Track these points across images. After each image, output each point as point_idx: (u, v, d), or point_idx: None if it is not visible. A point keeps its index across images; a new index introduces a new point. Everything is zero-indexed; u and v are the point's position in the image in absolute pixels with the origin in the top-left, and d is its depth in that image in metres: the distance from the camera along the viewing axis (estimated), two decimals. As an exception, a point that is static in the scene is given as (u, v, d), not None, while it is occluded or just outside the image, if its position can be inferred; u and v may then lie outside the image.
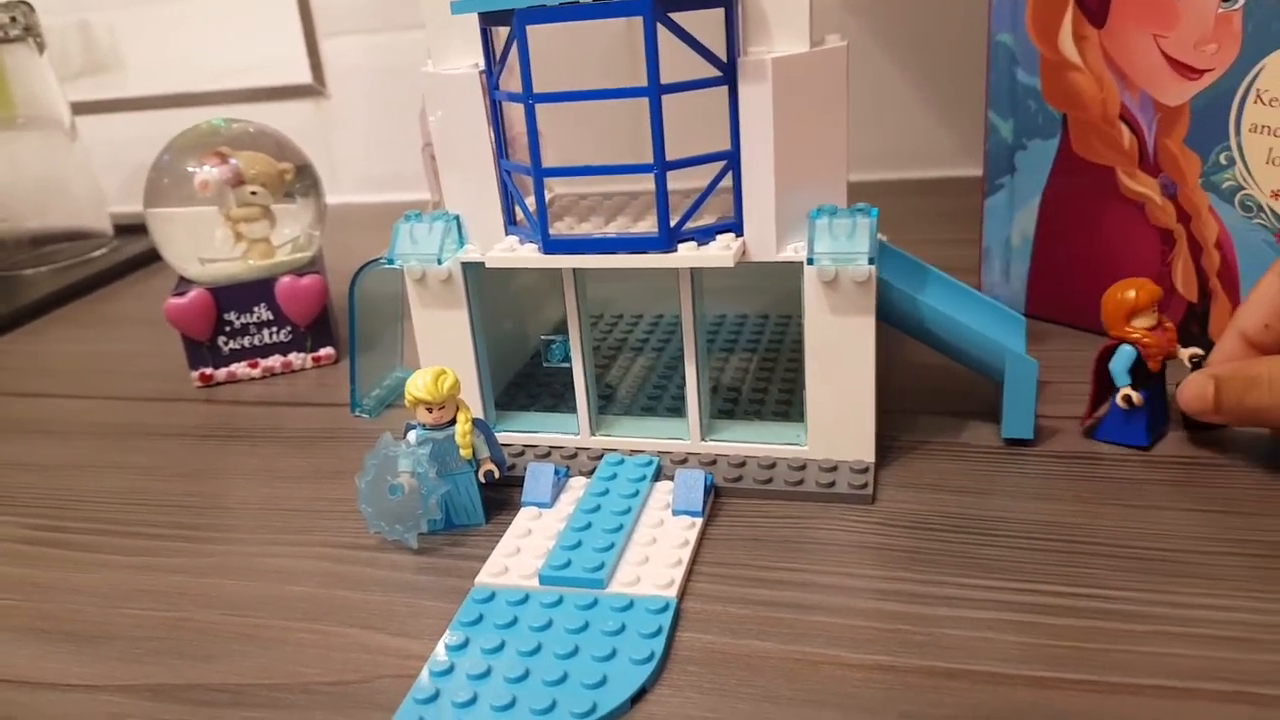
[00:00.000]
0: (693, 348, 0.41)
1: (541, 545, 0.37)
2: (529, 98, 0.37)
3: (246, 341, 0.57)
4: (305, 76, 0.95)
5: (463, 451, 0.39)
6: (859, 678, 0.30)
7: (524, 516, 0.40)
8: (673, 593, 0.34)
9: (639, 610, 0.33)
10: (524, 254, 0.40)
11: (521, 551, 0.37)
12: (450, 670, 0.31)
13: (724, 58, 0.37)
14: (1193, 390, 0.39)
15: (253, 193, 0.56)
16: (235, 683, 0.33)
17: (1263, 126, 0.42)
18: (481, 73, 0.39)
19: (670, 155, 0.37)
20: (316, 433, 0.51)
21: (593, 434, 0.44)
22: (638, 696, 0.30)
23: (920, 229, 0.66)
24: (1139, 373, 0.40)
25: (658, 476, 0.41)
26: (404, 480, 0.38)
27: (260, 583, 0.38)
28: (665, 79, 0.36)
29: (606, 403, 0.48)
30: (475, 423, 0.40)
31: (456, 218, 0.42)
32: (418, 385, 0.38)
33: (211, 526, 0.43)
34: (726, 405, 0.47)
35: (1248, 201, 0.44)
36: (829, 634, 0.32)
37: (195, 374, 0.57)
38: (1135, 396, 0.40)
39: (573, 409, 0.45)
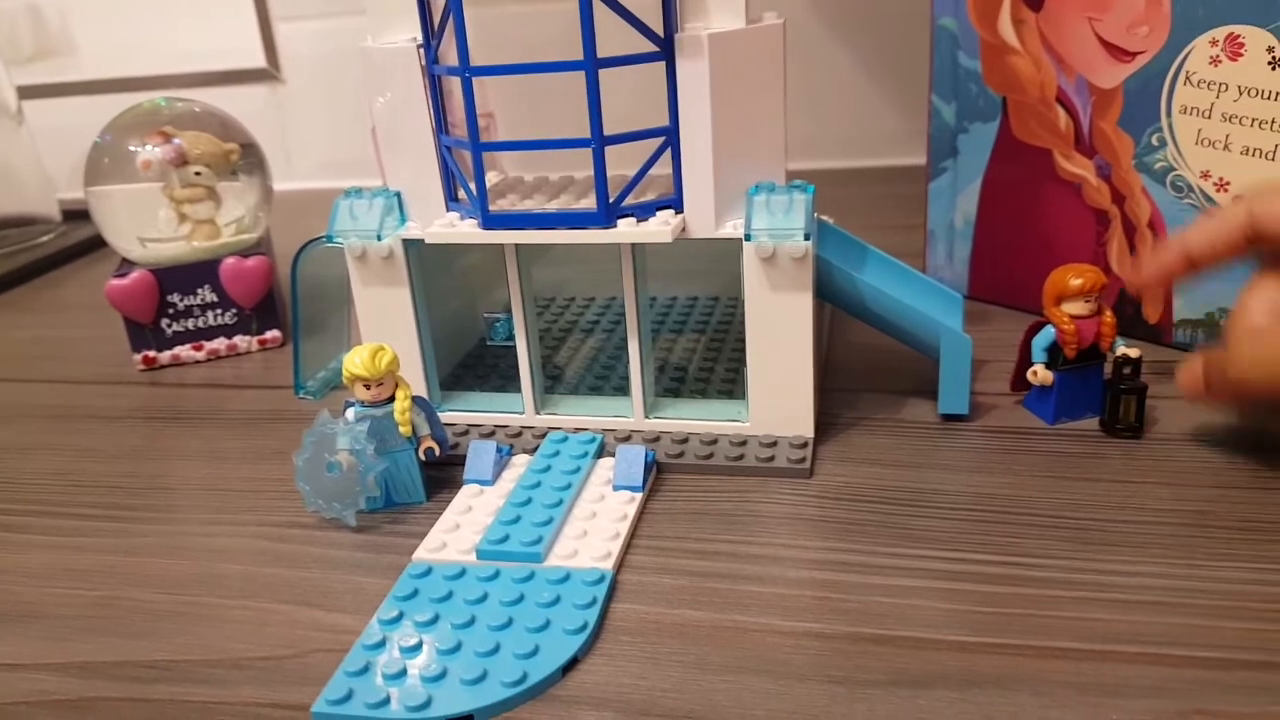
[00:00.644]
0: (635, 325, 0.42)
1: (481, 521, 0.37)
2: (465, 71, 0.37)
3: (190, 324, 0.56)
4: (259, 61, 0.93)
5: (402, 429, 0.39)
6: (789, 644, 0.31)
7: (465, 494, 0.39)
8: (609, 565, 0.34)
9: (574, 582, 0.34)
10: (463, 229, 0.40)
11: (461, 528, 0.37)
12: (382, 644, 0.31)
13: (661, 33, 0.37)
14: (1186, 375, 0.38)
15: (197, 173, 0.56)
16: (164, 659, 0.33)
17: (1192, 108, 0.43)
18: (419, 46, 0.39)
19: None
20: (260, 414, 0.50)
21: (537, 413, 0.44)
22: (569, 666, 0.30)
23: (866, 216, 0.67)
24: (1057, 355, 0.41)
25: (600, 454, 0.41)
26: (342, 458, 0.38)
27: (194, 561, 0.38)
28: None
29: (554, 383, 0.48)
30: (415, 400, 0.40)
31: (398, 195, 0.42)
32: (355, 362, 0.38)
33: (148, 507, 0.42)
34: (673, 384, 0.47)
35: (1179, 182, 0.44)
36: (761, 603, 0.33)
37: (138, 357, 0.56)
38: (1041, 375, 0.41)
39: (520, 389, 0.45)
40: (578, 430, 0.43)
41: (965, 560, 0.34)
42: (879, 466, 0.40)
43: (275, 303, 0.58)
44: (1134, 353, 0.40)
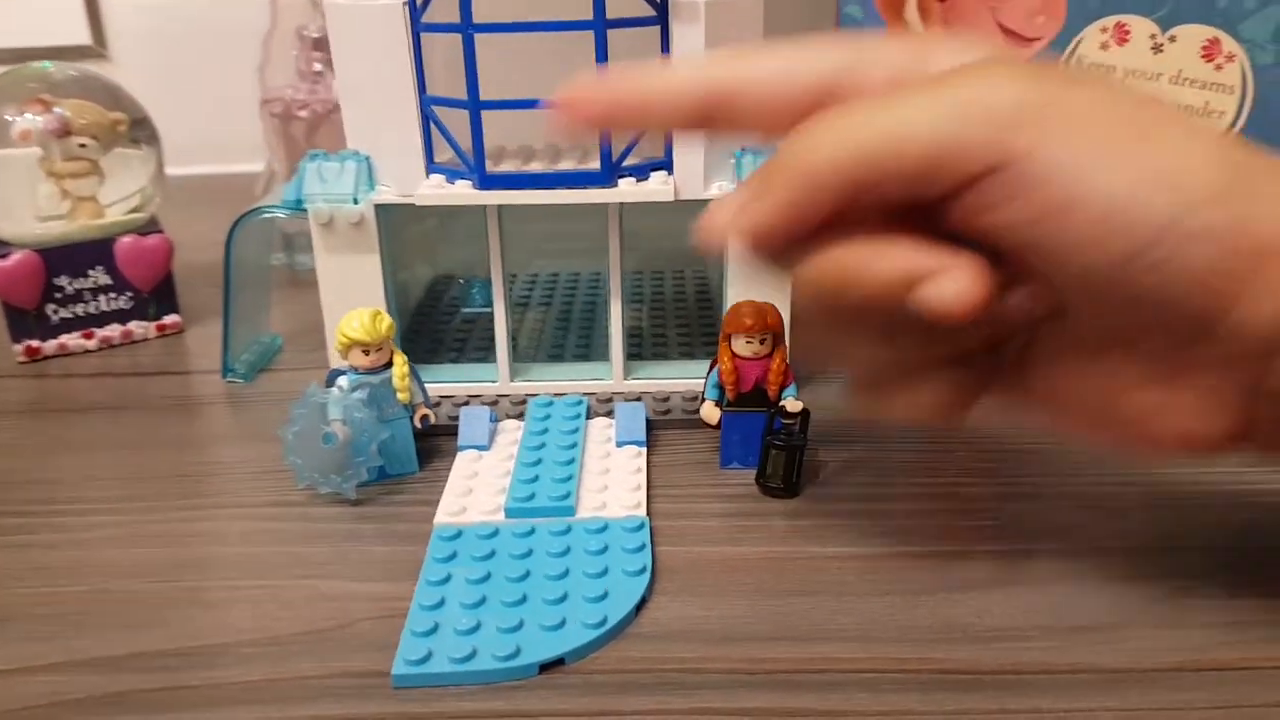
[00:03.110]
0: (617, 287, 0.42)
1: (495, 483, 0.37)
2: (468, 28, 0.36)
3: (80, 309, 0.51)
4: (84, 37, 0.85)
5: (400, 395, 0.38)
6: (835, 567, 0.33)
7: (464, 459, 0.39)
8: (643, 512, 0.35)
9: (616, 530, 0.34)
10: (457, 191, 0.39)
11: (475, 491, 0.37)
12: (441, 603, 0.31)
13: (656, -1, 0.38)
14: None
15: (81, 145, 0.50)
16: (188, 645, 0.30)
17: (1082, 89, 0.49)
18: (405, 4, 0.38)
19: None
20: (183, 400, 0.47)
21: (512, 380, 0.44)
22: (639, 606, 0.31)
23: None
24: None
25: (589, 415, 0.42)
26: (336, 428, 0.36)
27: (180, 547, 0.35)
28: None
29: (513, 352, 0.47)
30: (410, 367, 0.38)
31: (367, 158, 0.41)
32: (353, 326, 0.37)
33: (96, 499, 0.38)
34: (633, 349, 0.48)
35: (1069, 155, 0.51)
36: (795, 534, 0.35)
37: (19, 347, 0.50)
38: (705, 411, 0.37)
39: (476, 359, 0.45)
40: (559, 395, 0.43)
41: (959, 484, 0.37)
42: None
43: (174, 285, 0.53)
44: (794, 406, 0.36)
